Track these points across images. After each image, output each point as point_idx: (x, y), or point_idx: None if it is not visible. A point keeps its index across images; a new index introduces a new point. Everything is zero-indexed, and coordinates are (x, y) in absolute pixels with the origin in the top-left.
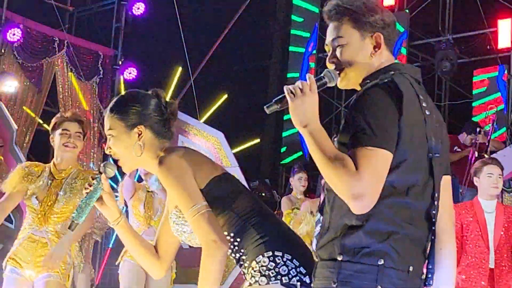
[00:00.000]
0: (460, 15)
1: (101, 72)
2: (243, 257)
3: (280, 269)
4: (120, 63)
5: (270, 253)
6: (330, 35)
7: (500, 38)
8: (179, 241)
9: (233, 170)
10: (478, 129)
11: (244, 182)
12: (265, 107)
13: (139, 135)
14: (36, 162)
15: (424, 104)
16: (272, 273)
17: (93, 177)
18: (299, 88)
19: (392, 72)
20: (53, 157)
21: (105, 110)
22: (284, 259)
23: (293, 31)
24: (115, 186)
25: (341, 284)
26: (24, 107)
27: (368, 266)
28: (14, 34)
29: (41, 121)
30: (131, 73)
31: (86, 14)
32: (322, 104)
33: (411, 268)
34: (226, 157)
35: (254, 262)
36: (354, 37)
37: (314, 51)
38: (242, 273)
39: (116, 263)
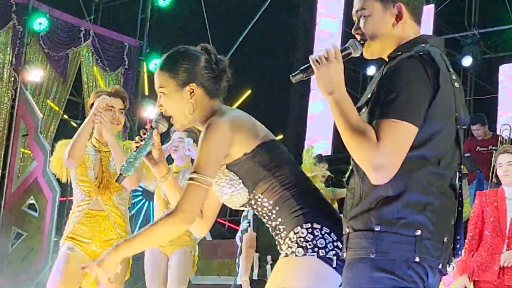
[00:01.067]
0: (486, 10)
1: (126, 63)
2: (280, 227)
3: (318, 242)
4: (145, 54)
5: (309, 225)
6: (355, 5)
7: None
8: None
9: None
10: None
11: None
12: (291, 76)
13: (191, 93)
14: (68, 140)
15: (453, 77)
16: (310, 245)
17: (144, 132)
18: (325, 56)
19: (423, 44)
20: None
21: (157, 67)
22: (323, 232)
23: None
24: None
25: (380, 255)
26: (48, 101)
27: (406, 237)
28: (40, 24)
29: (62, 112)
30: (156, 64)
31: (112, 4)
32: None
33: (445, 239)
34: None
35: (292, 233)
36: (376, 8)
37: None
38: (278, 242)
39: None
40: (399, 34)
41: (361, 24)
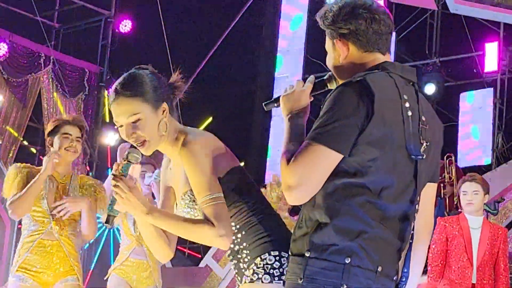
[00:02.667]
0: (447, 39)
1: (87, 89)
2: (244, 251)
3: (285, 270)
4: (106, 80)
5: (277, 253)
6: None
7: (486, 61)
8: None
9: None
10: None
11: None
12: (263, 104)
13: (163, 111)
14: (27, 164)
15: (406, 105)
16: (277, 272)
17: (122, 168)
18: (293, 85)
19: (376, 70)
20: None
21: (114, 97)
22: (277, 263)
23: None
24: None
25: (307, 281)
26: (8, 127)
27: (334, 264)
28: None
29: (22, 139)
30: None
31: (73, 31)
32: None
33: (379, 268)
34: None
35: (258, 259)
36: (329, 45)
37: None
38: (238, 267)
39: (105, 278)
40: (350, 66)
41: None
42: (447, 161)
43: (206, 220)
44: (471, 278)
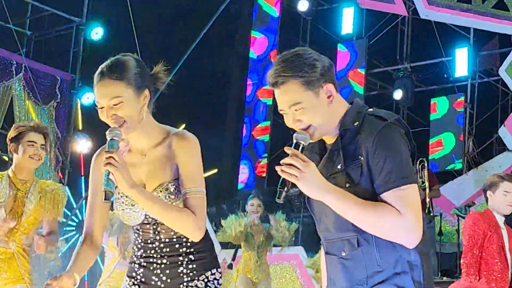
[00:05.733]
0: (417, 44)
1: (59, 97)
2: (191, 256)
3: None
4: (77, 87)
5: (220, 270)
6: (284, 102)
7: (457, 66)
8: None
9: None
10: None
11: None
12: (276, 199)
13: (144, 98)
14: None
15: None
16: None
17: (109, 145)
18: (297, 167)
19: (367, 107)
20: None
21: (100, 79)
22: (220, 278)
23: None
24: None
25: None
26: None
27: None
28: None
29: None
30: (88, 97)
31: (44, 38)
32: None
33: None
34: None
35: (209, 273)
36: (310, 98)
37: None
38: (169, 267)
39: None
40: (336, 108)
41: (300, 116)
42: (420, 165)
43: (190, 213)
44: (508, 278)
